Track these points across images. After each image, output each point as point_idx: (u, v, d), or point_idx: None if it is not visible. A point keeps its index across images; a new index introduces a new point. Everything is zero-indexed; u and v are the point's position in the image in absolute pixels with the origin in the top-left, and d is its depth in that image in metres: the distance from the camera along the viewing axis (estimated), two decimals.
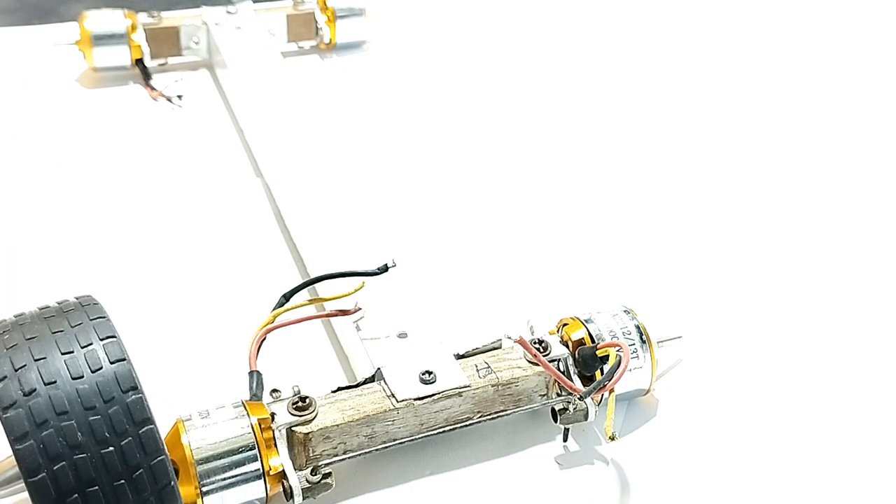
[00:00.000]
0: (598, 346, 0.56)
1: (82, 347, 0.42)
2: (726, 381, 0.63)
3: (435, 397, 0.53)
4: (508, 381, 0.55)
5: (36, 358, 0.41)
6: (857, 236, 0.80)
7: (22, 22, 1.23)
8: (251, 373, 0.53)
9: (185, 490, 0.46)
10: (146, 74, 1.01)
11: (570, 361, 0.57)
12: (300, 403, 0.51)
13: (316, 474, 0.50)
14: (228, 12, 1.04)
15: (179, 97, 0.98)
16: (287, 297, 0.58)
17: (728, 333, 0.67)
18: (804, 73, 1.11)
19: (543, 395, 0.56)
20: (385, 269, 0.62)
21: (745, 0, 1.30)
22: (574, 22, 1.23)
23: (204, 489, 0.47)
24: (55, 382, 0.40)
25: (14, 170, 0.87)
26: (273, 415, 0.50)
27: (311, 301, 0.61)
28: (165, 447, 0.42)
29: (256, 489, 0.49)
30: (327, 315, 0.61)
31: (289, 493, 0.49)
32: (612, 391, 0.55)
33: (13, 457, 0.39)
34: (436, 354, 0.56)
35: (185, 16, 1.04)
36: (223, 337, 0.65)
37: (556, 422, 0.56)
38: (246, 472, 0.48)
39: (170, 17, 1.03)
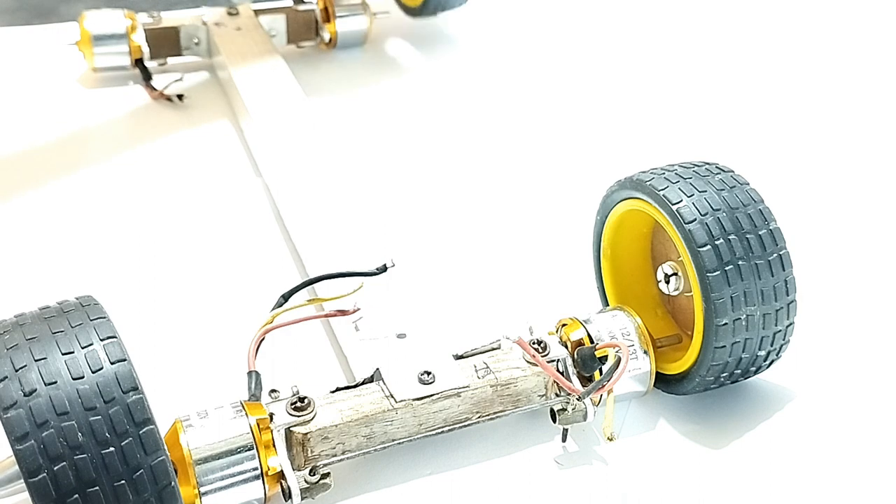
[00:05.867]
0: (597, 347, 0.56)
1: (83, 348, 0.42)
2: None
3: (434, 398, 0.53)
4: (507, 382, 0.55)
5: (36, 358, 0.41)
6: (858, 238, 0.80)
7: (22, 22, 1.23)
8: (250, 373, 0.53)
9: (184, 490, 0.46)
10: (146, 74, 1.01)
11: (569, 362, 0.57)
12: (299, 404, 0.51)
13: (314, 474, 0.51)
14: (229, 13, 1.05)
15: (179, 97, 0.98)
16: (286, 297, 0.59)
17: None
18: (805, 78, 1.11)
19: (542, 396, 0.56)
20: (384, 269, 0.62)
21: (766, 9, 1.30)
22: (576, 21, 1.23)
23: (202, 489, 0.48)
24: (55, 383, 0.40)
25: (14, 170, 0.87)
26: (271, 415, 0.51)
27: (309, 301, 0.61)
28: (166, 447, 0.42)
29: (255, 489, 0.49)
30: (326, 315, 0.61)
31: (287, 494, 0.49)
32: (610, 391, 0.55)
33: (13, 457, 0.39)
34: (434, 355, 0.56)
35: (185, 16, 1.04)
36: (222, 337, 0.65)
37: (554, 422, 0.56)
38: (244, 473, 0.48)
39: (170, 18, 1.03)
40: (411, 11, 1.18)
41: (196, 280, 0.72)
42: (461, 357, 0.57)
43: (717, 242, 0.54)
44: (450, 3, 1.16)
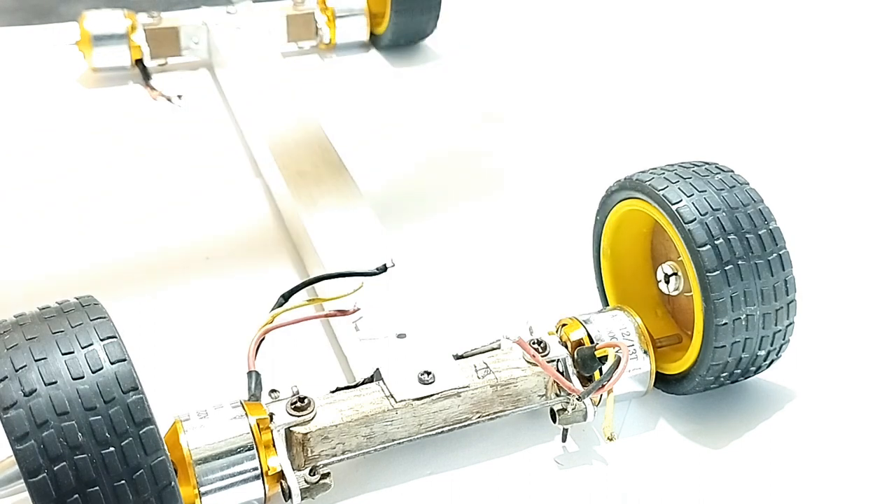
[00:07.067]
0: (597, 347, 0.56)
1: (83, 348, 0.42)
2: None
3: (434, 398, 0.53)
4: (507, 382, 0.55)
5: (36, 358, 0.41)
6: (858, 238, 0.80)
7: (22, 22, 1.23)
8: (250, 373, 0.53)
9: (184, 490, 0.46)
10: (146, 74, 1.01)
11: (569, 362, 0.57)
12: (299, 404, 0.51)
13: (314, 474, 0.51)
14: (228, 12, 1.05)
15: (179, 97, 0.98)
16: (286, 297, 0.59)
17: None
18: (805, 78, 1.11)
19: (542, 396, 0.56)
20: (384, 269, 0.62)
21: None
22: (576, 21, 1.23)
23: (202, 489, 0.48)
24: (55, 383, 0.41)
25: (14, 170, 0.87)
26: (271, 415, 0.51)
27: (309, 301, 0.61)
28: (166, 447, 0.42)
29: (255, 489, 0.49)
30: (326, 315, 0.61)
31: (287, 494, 0.49)
32: (610, 391, 0.55)
33: (13, 457, 0.39)
34: (434, 355, 0.56)
35: (185, 16, 1.04)
36: (222, 337, 0.65)
37: (554, 422, 0.56)
38: (244, 473, 0.48)
39: (170, 18, 1.04)
40: (377, 42, 1.12)
41: (196, 280, 0.72)
42: (461, 357, 0.57)
43: (716, 242, 0.54)
44: (413, 34, 1.10)
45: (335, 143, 0.83)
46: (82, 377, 0.41)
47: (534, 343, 0.56)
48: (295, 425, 0.51)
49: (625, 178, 0.60)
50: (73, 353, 0.42)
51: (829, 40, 1.20)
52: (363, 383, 0.55)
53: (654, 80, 1.09)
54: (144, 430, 0.41)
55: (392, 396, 0.53)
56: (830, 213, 0.84)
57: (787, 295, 0.55)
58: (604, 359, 0.56)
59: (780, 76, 1.10)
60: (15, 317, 0.45)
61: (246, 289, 0.71)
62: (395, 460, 0.56)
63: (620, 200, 0.60)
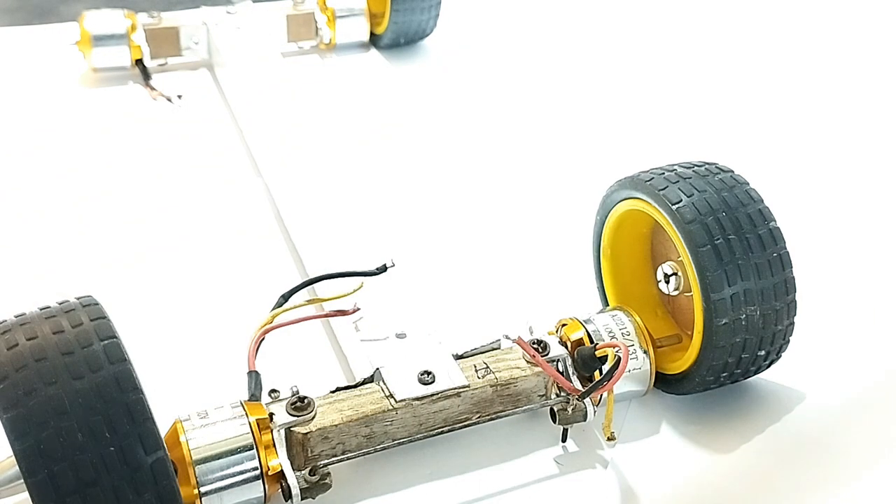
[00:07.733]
0: (597, 347, 0.56)
1: (83, 348, 0.42)
2: None
3: (434, 397, 0.53)
4: (507, 382, 0.55)
5: (36, 358, 0.41)
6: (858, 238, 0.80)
7: (22, 22, 1.23)
8: (250, 373, 0.53)
9: (184, 490, 0.46)
10: (146, 74, 1.01)
11: (569, 362, 0.57)
12: (299, 404, 0.51)
13: (314, 474, 0.51)
14: (228, 12, 1.05)
15: (179, 97, 0.99)
16: (286, 297, 0.59)
17: None
18: (805, 78, 1.11)
19: (542, 396, 0.56)
20: (384, 269, 0.62)
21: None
22: (577, 21, 1.23)
23: (202, 489, 0.48)
24: (55, 383, 0.41)
25: (14, 170, 0.87)
26: (272, 415, 0.51)
27: (309, 301, 0.61)
28: (166, 447, 0.42)
29: (255, 489, 0.49)
30: (326, 315, 0.61)
31: (287, 494, 0.49)
32: (610, 391, 0.55)
33: (13, 457, 0.39)
34: (434, 355, 0.56)
35: (185, 16, 1.04)
36: (222, 337, 0.65)
37: (554, 422, 0.56)
38: (244, 473, 0.48)
39: (170, 18, 1.04)
40: (377, 42, 1.12)
41: (196, 280, 0.72)
42: (461, 357, 0.57)
43: (716, 242, 0.54)
44: (412, 34, 1.11)
45: (335, 142, 0.83)
46: (82, 377, 0.41)
47: (534, 343, 0.56)
48: (295, 425, 0.51)
49: (625, 178, 0.60)
50: (73, 353, 0.42)
51: (827, 41, 1.20)
52: (363, 383, 0.55)
53: (654, 80, 1.09)
54: (144, 429, 0.41)
55: (392, 396, 0.53)
56: (830, 213, 0.84)
57: (787, 295, 0.55)
58: (604, 359, 0.56)
59: (779, 77, 1.10)
60: (15, 317, 0.45)
61: (246, 289, 0.71)
62: (395, 460, 0.56)
63: (620, 200, 0.60)
